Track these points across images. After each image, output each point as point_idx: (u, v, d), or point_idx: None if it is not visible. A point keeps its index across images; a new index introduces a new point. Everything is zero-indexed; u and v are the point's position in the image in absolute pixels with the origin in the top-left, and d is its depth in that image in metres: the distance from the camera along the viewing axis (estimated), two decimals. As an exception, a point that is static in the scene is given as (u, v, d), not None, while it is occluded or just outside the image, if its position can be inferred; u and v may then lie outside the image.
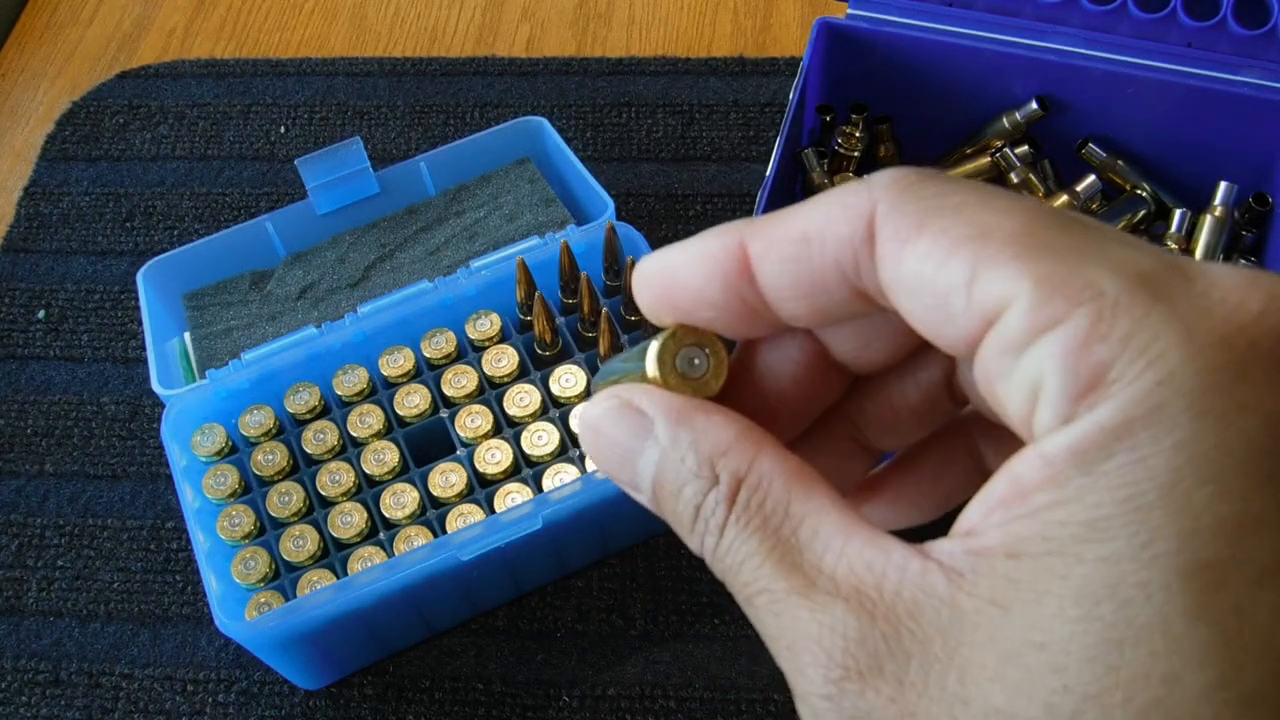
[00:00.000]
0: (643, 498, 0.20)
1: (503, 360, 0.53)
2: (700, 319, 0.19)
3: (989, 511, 0.16)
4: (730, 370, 0.20)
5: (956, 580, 0.16)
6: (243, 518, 0.49)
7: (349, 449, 0.52)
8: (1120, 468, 0.14)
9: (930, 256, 0.16)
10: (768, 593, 0.17)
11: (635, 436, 0.19)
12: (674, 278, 0.19)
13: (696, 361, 0.20)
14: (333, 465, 0.51)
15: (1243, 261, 0.54)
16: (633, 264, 0.52)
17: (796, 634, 0.17)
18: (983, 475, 0.18)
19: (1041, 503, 0.15)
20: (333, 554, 0.49)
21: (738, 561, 0.18)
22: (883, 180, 0.17)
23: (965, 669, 0.15)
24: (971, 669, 0.15)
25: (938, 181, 0.17)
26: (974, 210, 0.16)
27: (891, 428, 0.22)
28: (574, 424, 0.20)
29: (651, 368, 0.19)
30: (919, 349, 0.21)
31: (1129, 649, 0.14)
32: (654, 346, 0.20)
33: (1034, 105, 0.55)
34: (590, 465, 0.50)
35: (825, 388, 0.22)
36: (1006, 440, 0.19)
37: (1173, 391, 0.14)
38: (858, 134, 0.58)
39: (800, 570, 0.17)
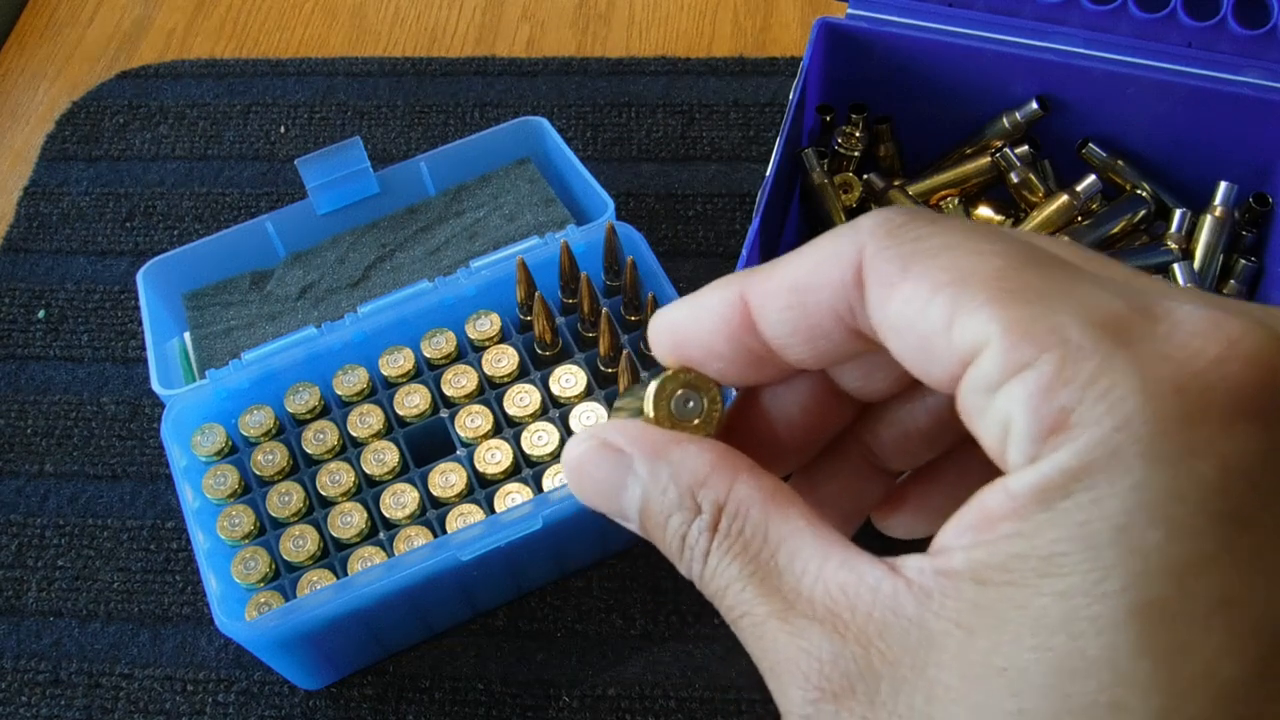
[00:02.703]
0: (632, 526, 0.21)
1: (503, 360, 0.53)
2: (713, 370, 0.20)
3: (960, 533, 0.17)
4: (732, 413, 0.21)
5: (924, 601, 0.17)
6: (243, 518, 0.49)
7: (349, 449, 0.52)
8: (1077, 507, 0.15)
9: (913, 300, 0.17)
10: (750, 616, 0.18)
11: (616, 472, 0.20)
12: (683, 333, 0.20)
13: (691, 404, 0.20)
14: (333, 465, 0.51)
15: (1243, 262, 0.54)
16: (633, 265, 0.53)
17: (777, 656, 0.18)
18: None
19: (1005, 533, 0.16)
20: (333, 554, 0.49)
21: (722, 586, 0.19)
22: (869, 224, 0.18)
23: (932, 689, 0.16)
24: (937, 689, 0.16)
25: (921, 223, 0.18)
26: (954, 253, 0.17)
27: (903, 450, 0.23)
28: (563, 467, 0.21)
29: (648, 406, 0.20)
30: None
31: (1080, 679, 0.15)
32: (652, 387, 0.20)
33: (1034, 105, 0.55)
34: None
35: (834, 416, 0.22)
36: None
37: (1128, 437, 0.15)
38: (858, 134, 0.58)
39: (780, 593, 0.18)
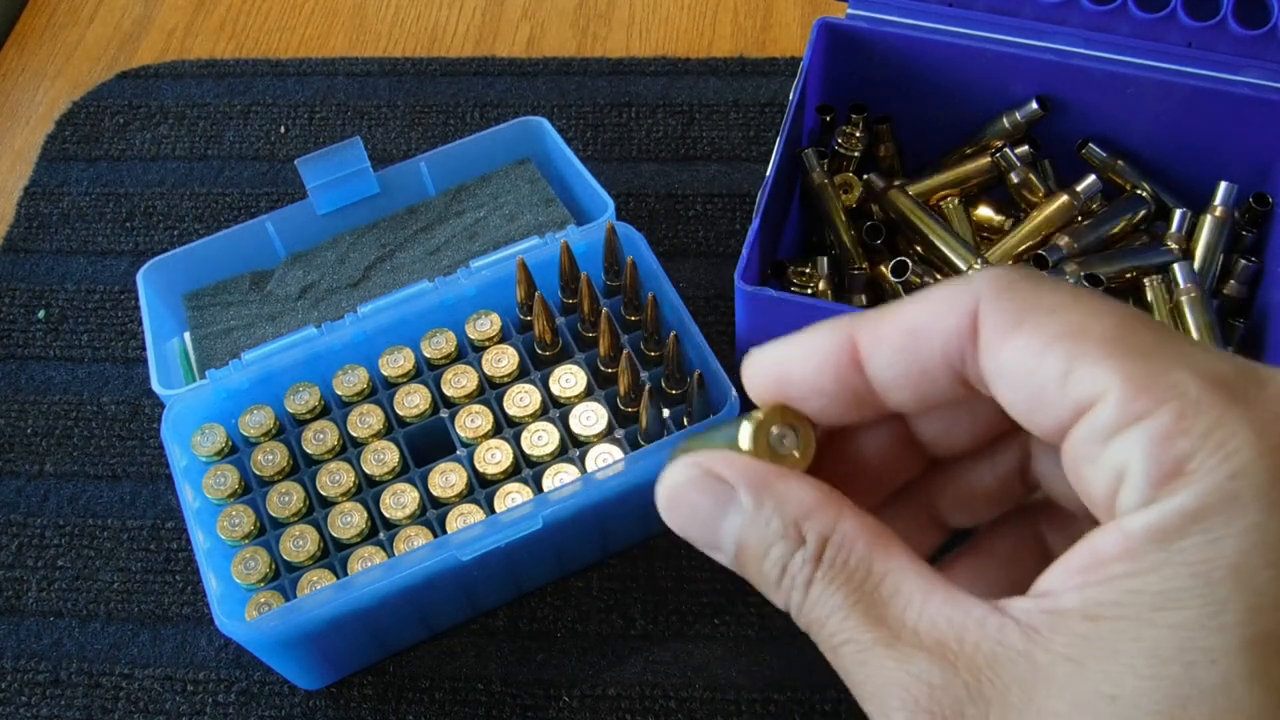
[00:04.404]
0: (723, 558, 0.21)
1: (503, 360, 0.53)
2: (812, 407, 0.21)
3: (1067, 576, 0.18)
4: (817, 447, 0.22)
5: (1033, 636, 0.18)
6: (243, 518, 0.49)
7: (349, 449, 0.52)
8: (1194, 546, 0.16)
9: (1028, 350, 0.18)
10: (854, 643, 0.19)
11: (718, 503, 0.21)
12: (788, 370, 0.21)
13: (787, 440, 0.21)
14: (333, 465, 0.51)
15: (1243, 262, 0.54)
16: (633, 265, 0.53)
17: (882, 681, 0.19)
18: (1048, 563, 0.19)
19: (1118, 572, 0.17)
20: (333, 554, 0.49)
21: (824, 615, 0.19)
22: (985, 277, 0.20)
23: (1041, 716, 0.17)
24: (1046, 716, 0.17)
25: (1035, 281, 0.19)
26: (1069, 311, 0.18)
27: (965, 506, 0.24)
28: (657, 493, 0.21)
29: (746, 442, 0.21)
30: (999, 436, 0.23)
31: (1193, 705, 0.16)
32: (750, 423, 0.21)
33: (1034, 105, 0.55)
34: (590, 465, 0.50)
35: (906, 465, 0.24)
36: (1072, 528, 0.21)
37: (1245, 484, 0.16)
38: (858, 134, 0.58)
39: (885, 623, 0.19)
